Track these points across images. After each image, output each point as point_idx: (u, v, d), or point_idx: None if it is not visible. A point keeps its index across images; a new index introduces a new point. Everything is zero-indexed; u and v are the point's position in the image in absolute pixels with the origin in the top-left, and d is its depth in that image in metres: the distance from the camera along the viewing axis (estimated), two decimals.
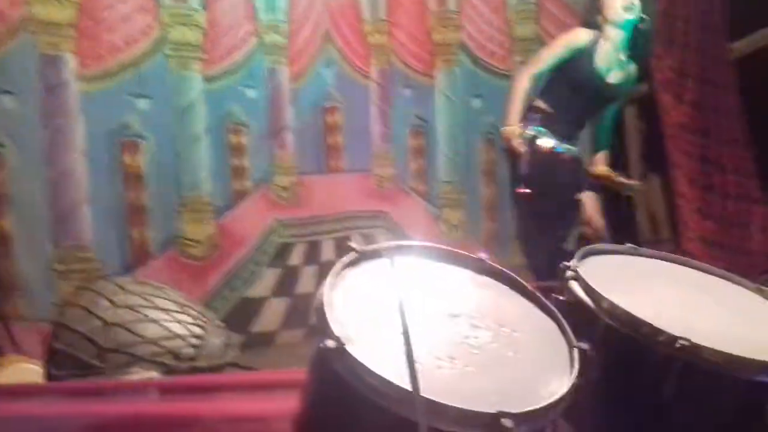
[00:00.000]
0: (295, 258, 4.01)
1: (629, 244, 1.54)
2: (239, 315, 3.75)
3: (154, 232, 3.57)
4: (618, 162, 4.90)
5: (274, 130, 3.95)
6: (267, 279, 3.91)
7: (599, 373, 1.17)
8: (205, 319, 2.40)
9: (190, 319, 2.34)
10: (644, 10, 3.23)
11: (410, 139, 4.41)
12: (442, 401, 0.91)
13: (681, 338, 1.19)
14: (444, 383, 0.95)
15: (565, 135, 3.24)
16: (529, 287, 1.21)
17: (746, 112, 4.28)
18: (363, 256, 1.15)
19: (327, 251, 4.10)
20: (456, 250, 1.23)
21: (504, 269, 1.24)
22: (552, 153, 3.16)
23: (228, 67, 3.80)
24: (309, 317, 3.91)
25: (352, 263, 1.13)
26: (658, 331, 1.21)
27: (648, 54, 3.49)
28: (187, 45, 3.69)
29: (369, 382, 0.93)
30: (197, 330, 2.33)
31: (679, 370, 1.20)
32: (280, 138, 3.97)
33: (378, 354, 0.97)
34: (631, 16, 3.18)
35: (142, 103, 3.56)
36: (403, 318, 0.78)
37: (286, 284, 3.95)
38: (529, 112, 3.26)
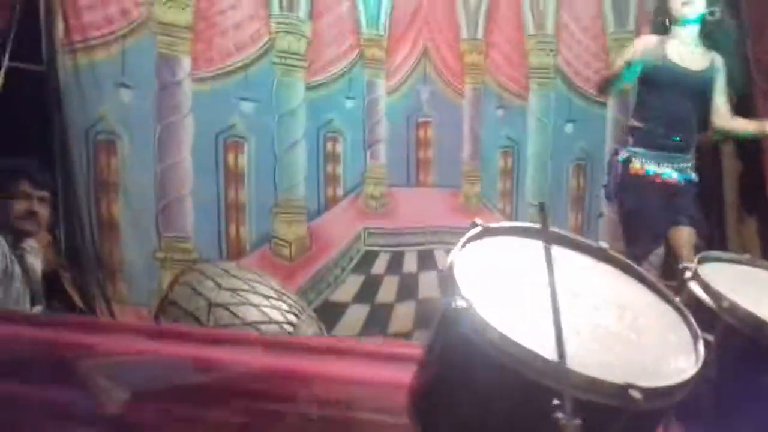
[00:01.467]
0: (379, 267, 4.07)
1: (747, 255, 1.51)
2: (321, 318, 3.82)
3: (250, 229, 3.71)
4: (713, 203, 4.80)
5: (368, 141, 4.05)
6: (350, 285, 3.99)
7: (716, 373, 1.16)
8: (299, 308, 2.48)
9: (286, 307, 2.42)
10: (712, 2, 3.09)
11: (499, 160, 4.43)
12: (574, 369, 0.93)
13: None
14: (570, 353, 0.97)
15: (675, 147, 3.09)
16: (652, 278, 1.22)
17: None
18: (487, 233, 1.19)
19: (410, 263, 4.15)
20: (578, 237, 1.24)
21: (624, 259, 1.25)
22: (644, 176, 3.05)
23: (329, 78, 3.94)
24: (387, 326, 4.01)
25: (475, 237, 1.17)
26: None
27: (730, 45, 3.22)
28: (293, 53, 3.85)
29: (501, 345, 0.96)
30: (292, 318, 2.41)
31: None
32: (374, 149, 4.07)
33: (505, 316, 0.99)
34: (690, 11, 3.06)
35: (247, 106, 3.73)
36: (552, 279, 0.81)
37: (367, 292, 4.02)
38: (624, 135, 3.21)
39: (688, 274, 1.33)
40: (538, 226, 1.23)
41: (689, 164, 3.16)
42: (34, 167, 2.65)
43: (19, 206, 2.56)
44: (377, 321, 3.99)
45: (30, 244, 2.61)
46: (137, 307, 3.39)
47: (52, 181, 2.71)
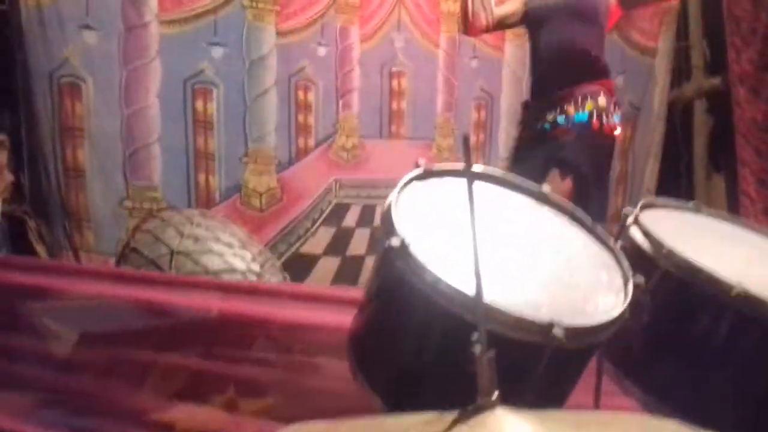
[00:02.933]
0: (350, 219, 4.08)
1: (693, 201, 1.53)
2: (292, 270, 3.84)
3: (219, 179, 3.69)
4: (682, 158, 4.84)
5: (341, 90, 4.01)
6: (321, 237, 4.00)
7: (652, 318, 1.18)
8: (264, 258, 2.49)
9: (249, 256, 2.43)
10: None
11: (473, 112, 4.41)
12: (498, 306, 0.94)
13: (737, 286, 1.19)
14: (501, 292, 0.98)
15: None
16: (589, 221, 1.23)
17: None
18: (430, 174, 1.19)
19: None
20: (521, 179, 1.25)
21: (566, 202, 1.26)
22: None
23: (301, 23, 3.87)
24: (358, 278, 4.04)
25: (419, 177, 1.17)
26: (715, 279, 1.21)
27: None
28: None
29: (430, 281, 0.97)
30: (256, 267, 2.41)
31: (733, 317, 1.21)
32: (346, 99, 4.03)
33: (440, 256, 1.00)
34: None
35: (217, 51, 3.66)
36: (473, 223, 0.82)
37: (338, 244, 4.03)
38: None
39: (630, 219, 1.34)
40: (481, 167, 1.24)
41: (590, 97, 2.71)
42: None
43: None
44: (348, 273, 4.01)
45: None
46: (105, 256, 3.37)
47: (10, 123, 2.64)
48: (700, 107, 4.84)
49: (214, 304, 1.61)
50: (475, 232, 0.84)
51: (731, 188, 4.48)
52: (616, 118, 2.73)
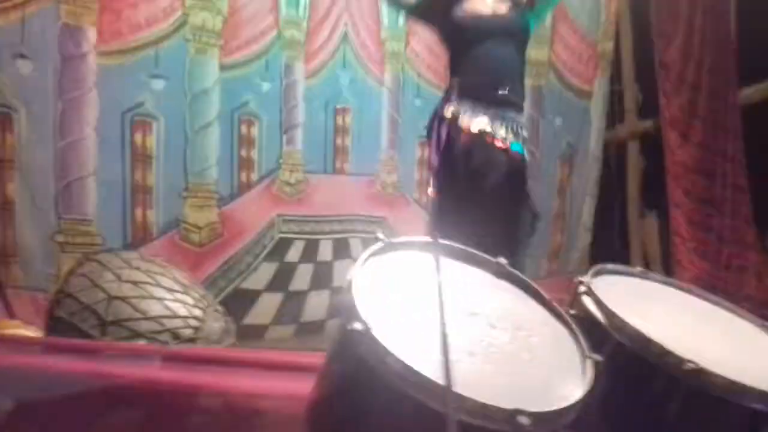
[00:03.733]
0: (293, 254, 4.03)
1: (640, 268, 1.57)
2: (232, 306, 3.73)
3: (157, 213, 3.58)
4: (617, 197, 5.01)
5: (285, 125, 3.97)
6: (263, 272, 3.92)
7: (606, 389, 1.20)
8: (206, 303, 2.41)
9: (191, 301, 2.35)
10: None
11: (417, 149, 4.44)
12: (464, 394, 0.93)
13: (689, 361, 1.22)
14: (463, 377, 0.97)
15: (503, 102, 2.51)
16: (546, 296, 1.24)
17: (748, 159, 4.35)
18: (388, 248, 1.17)
19: (325, 251, 4.12)
20: (476, 252, 1.25)
21: (522, 275, 1.27)
22: (480, 135, 2.42)
23: (245, 58, 3.83)
24: (300, 314, 3.98)
25: (377, 253, 1.15)
26: (667, 352, 1.24)
27: None
28: (208, 31, 3.71)
29: (393, 367, 0.96)
30: (198, 312, 2.34)
31: (685, 391, 1.23)
32: (291, 134, 4.00)
33: (402, 340, 0.99)
34: None
35: (158, 84, 3.58)
36: (441, 309, 0.80)
37: (281, 280, 3.97)
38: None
39: (582, 288, 1.36)
40: (437, 240, 1.23)
41: (522, 127, 2.55)
42: None
43: None
44: (290, 309, 3.95)
45: None
46: (33, 292, 3.22)
47: None
48: (633, 148, 5.03)
49: (153, 372, 1.54)
50: (444, 321, 0.83)
51: (664, 227, 4.65)
52: None
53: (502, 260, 1.26)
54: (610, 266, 1.51)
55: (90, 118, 3.39)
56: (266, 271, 3.93)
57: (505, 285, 1.24)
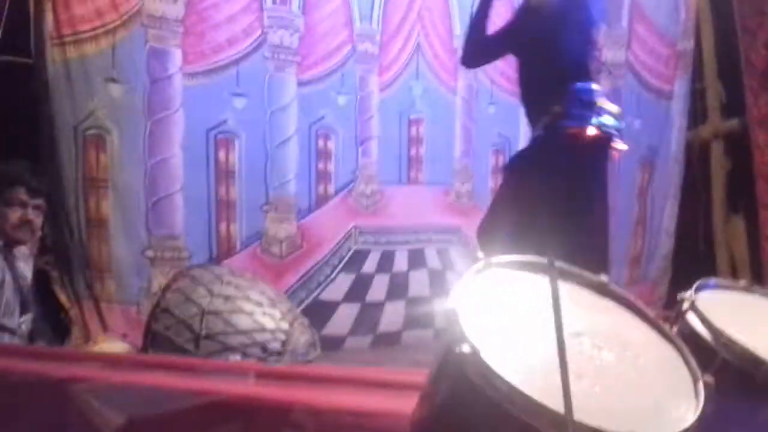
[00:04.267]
0: (369, 266, 4.07)
1: (744, 281, 1.52)
2: (311, 317, 3.80)
3: (240, 227, 3.69)
4: (701, 200, 4.84)
5: (360, 138, 4.03)
6: (340, 284, 3.98)
7: (713, 409, 1.16)
8: (292, 316, 2.47)
9: (279, 315, 2.41)
10: None
11: (491, 157, 4.42)
12: (577, 419, 0.93)
13: None
14: (574, 401, 0.96)
15: None
16: (651, 314, 1.22)
17: None
18: (490, 266, 1.18)
19: (400, 261, 4.15)
20: (579, 270, 1.24)
21: (627, 294, 1.25)
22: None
23: (322, 73, 3.91)
24: (377, 325, 4.01)
25: (479, 271, 1.16)
26: None
27: None
28: (286, 48, 3.81)
29: (501, 390, 0.96)
30: (285, 326, 2.40)
31: None
32: (366, 146, 4.05)
33: (510, 362, 0.99)
34: None
35: (239, 102, 3.69)
36: (560, 334, 0.80)
37: (358, 291, 4.02)
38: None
39: (686, 305, 1.33)
40: (542, 260, 1.23)
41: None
42: (30, 173, 2.58)
43: (14, 214, 2.49)
44: (367, 320, 4.00)
45: (21, 251, 2.57)
46: (126, 306, 3.37)
47: (46, 187, 2.65)
48: (717, 149, 4.85)
49: (248, 387, 1.59)
50: (563, 347, 0.83)
51: (752, 232, 4.46)
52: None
53: (605, 278, 1.24)
54: (712, 281, 1.47)
55: (177, 137, 3.53)
56: (343, 282, 3.99)
57: (608, 304, 1.22)
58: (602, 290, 1.24)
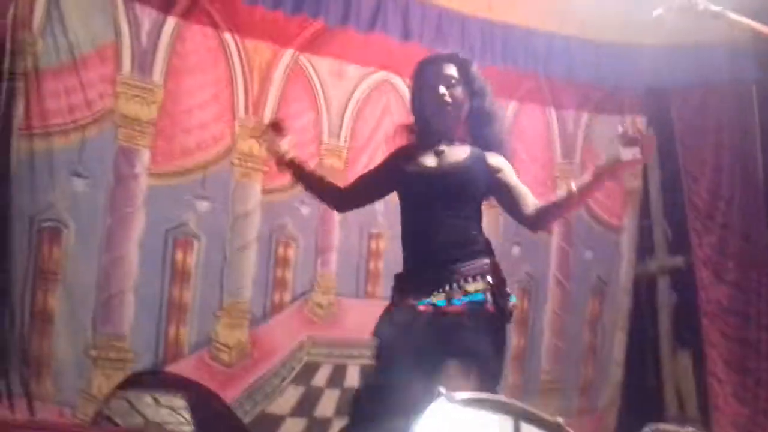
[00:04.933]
0: (320, 379, 3.98)
1: (691, 428, 1.54)
2: (256, 430, 3.68)
3: (190, 331, 3.60)
4: (648, 332, 4.91)
5: (320, 248, 4.05)
6: (288, 396, 3.87)
7: None
8: None
9: None
10: None
11: None
12: None
13: None
14: None
15: None
16: None
17: None
18: (449, 402, 1.18)
19: (352, 376, 4.06)
20: (535, 411, 1.25)
21: None
22: None
23: (287, 183, 3.94)
24: None
25: (439, 408, 1.16)
26: None
27: None
28: (254, 156, 3.88)
29: None
30: None
31: None
32: (325, 257, 4.07)
33: None
34: None
35: (203, 205, 3.71)
36: None
37: (306, 405, 3.90)
38: None
39: None
40: (500, 398, 1.24)
41: None
42: None
43: None
44: None
45: None
46: (61, 406, 3.20)
47: None
48: (663, 283, 5.00)
49: None
50: None
51: (698, 366, 4.54)
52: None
53: (559, 419, 1.25)
54: (662, 426, 1.49)
55: (135, 234, 3.50)
56: (292, 394, 3.87)
57: None
58: (555, 430, 1.25)
